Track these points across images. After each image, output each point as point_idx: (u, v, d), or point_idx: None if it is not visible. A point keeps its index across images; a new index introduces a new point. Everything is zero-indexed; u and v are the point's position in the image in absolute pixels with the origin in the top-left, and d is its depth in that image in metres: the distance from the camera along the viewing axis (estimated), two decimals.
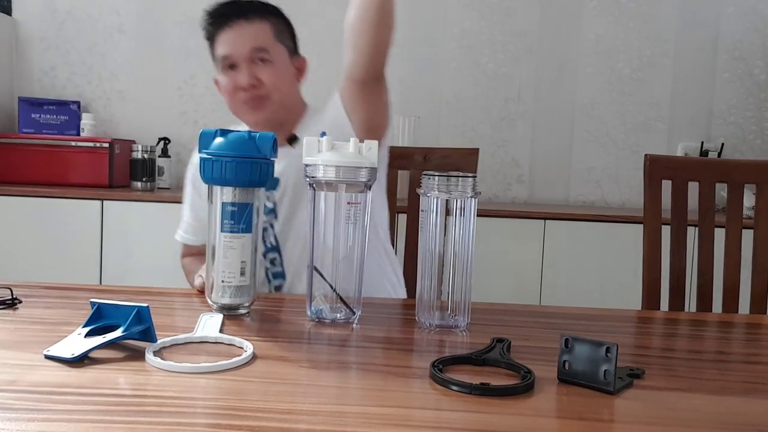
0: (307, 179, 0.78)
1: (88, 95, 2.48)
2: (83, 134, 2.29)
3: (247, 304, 0.81)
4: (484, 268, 1.93)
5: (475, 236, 0.77)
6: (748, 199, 1.96)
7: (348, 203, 0.78)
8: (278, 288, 1.17)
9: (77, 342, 0.63)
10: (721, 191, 1.97)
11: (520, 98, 2.44)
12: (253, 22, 1.13)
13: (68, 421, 0.46)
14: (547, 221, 1.95)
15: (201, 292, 0.88)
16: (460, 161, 1.38)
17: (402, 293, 1.23)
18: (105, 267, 2.00)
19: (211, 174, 0.78)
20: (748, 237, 1.24)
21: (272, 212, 1.15)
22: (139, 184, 2.24)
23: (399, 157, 1.36)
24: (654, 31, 2.40)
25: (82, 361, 0.60)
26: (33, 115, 2.29)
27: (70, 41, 2.48)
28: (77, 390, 0.52)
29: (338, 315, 0.79)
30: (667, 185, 1.26)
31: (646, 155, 1.28)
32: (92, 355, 0.61)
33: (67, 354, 0.59)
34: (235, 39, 1.13)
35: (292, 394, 0.54)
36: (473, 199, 0.77)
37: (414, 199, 1.32)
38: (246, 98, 1.13)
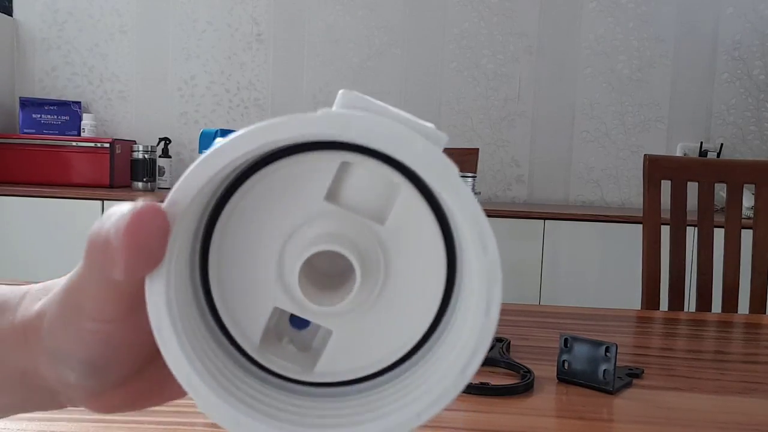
0: None
1: (89, 95, 2.49)
2: (84, 134, 2.29)
3: None
4: None
5: None
6: (747, 199, 1.96)
7: None
8: None
9: None
10: (721, 191, 1.98)
11: (519, 98, 2.44)
12: None
13: (69, 420, 0.46)
14: (546, 221, 1.95)
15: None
16: (460, 161, 1.38)
17: None
18: None
19: None
20: (747, 237, 1.24)
21: None
22: (140, 185, 2.24)
23: None
24: (653, 31, 2.40)
25: None
26: (34, 116, 2.29)
27: (71, 42, 2.48)
28: None
29: None
30: (666, 185, 1.26)
31: (645, 155, 1.28)
32: None
33: None
34: None
35: None
36: None
37: None
38: None
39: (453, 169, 0.20)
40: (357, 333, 0.23)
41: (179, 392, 0.24)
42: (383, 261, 0.22)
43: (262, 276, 0.22)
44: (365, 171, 0.22)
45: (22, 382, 0.25)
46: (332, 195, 0.22)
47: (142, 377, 0.26)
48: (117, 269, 0.20)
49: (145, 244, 0.20)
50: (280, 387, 0.24)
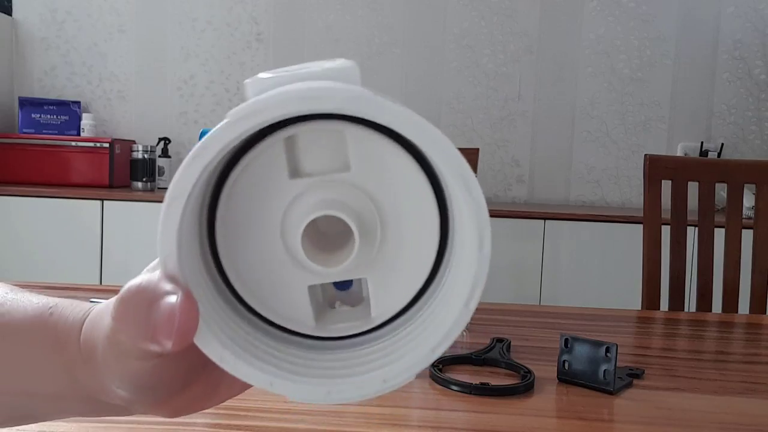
0: None
1: (88, 95, 2.48)
2: (83, 134, 2.28)
3: None
4: None
5: None
6: (748, 199, 1.96)
7: None
8: None
9: None
10: (721, 191, 1.98)
11: (520, 98, 2.44)
12: None
13: (68, 420, 0.46)
14: (547, 221, 1.95)
15: None
16: None
17: None
18: (105, 267, 2.00)
19: None
20: (747, 237, 1.24)
21: None
22: (139, 184, 2.24)
23: None
24: (654, 31, 2.40)
25: None
26: (33, 115, 2.29)
27: (70, 41, 2.48)
28: None
29: None
30: (666, 185, 1.26)
31: (645, 155, 1.28)
32: None
33: None
34: None
35: None
36: None
37: None
38: None
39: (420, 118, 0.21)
40: (383, 276, 0.24)
41: (230, 392, 0.28)
42: (379, 218, 0.23)
43: (270, 252, 0.24)
44: (311, 136, 0.23)
45: (91, 398, 0.28)
46: (295, 171, 0.23)
47: (196, 384, 0.27)
48: (160, 348, 0.23)
49: (186, 336, 0.22)
50: (287, 342, 0.25)
